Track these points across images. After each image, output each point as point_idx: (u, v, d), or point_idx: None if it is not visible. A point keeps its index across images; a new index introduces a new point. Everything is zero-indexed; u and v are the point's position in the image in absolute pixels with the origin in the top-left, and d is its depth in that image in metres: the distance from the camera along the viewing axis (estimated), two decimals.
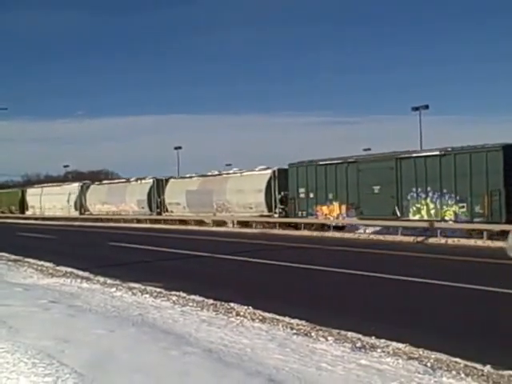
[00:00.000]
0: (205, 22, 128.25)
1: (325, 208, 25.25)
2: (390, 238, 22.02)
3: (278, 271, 13.62)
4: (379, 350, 6.08)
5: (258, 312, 8.18)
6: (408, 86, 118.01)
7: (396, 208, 22.03)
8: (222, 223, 31.92)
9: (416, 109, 46.83)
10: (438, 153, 20.95)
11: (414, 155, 21.92)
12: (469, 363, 5.62)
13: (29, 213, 52.45)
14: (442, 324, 7.83)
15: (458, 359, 5.75)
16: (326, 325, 7.27)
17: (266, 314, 8.04)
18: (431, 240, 20.25)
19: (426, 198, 21.26)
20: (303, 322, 7.46)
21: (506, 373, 5.35)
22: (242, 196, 29.90)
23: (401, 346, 6.27)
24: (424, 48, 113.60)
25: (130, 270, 14.27)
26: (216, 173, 33.96)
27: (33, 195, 52.49)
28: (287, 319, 7.68)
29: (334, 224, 25.15)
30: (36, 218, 49.45)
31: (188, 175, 36.22)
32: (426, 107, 46.67)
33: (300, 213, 26.40)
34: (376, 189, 22.82)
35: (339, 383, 4.85)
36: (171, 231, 30.42)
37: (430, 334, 7.16)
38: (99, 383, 4.62)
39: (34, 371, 4.84)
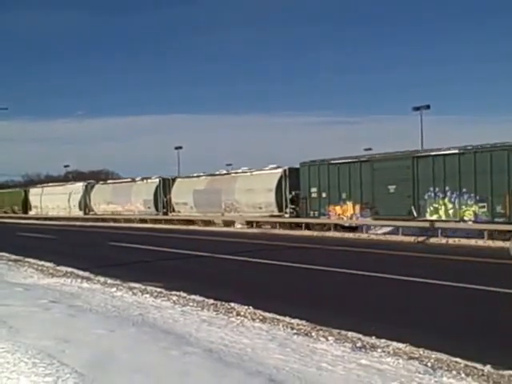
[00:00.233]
0: (205, 22, 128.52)
1: (338, 208, 24.81)
2: (390, 238, 22.03)
3: (278, 271, 13.61)
4: (379, 350, 6.08)
5: (259, 312, 8.18)
6: (408, 85, 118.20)
7: (412, 208, 21.57)
8: (231, 223, 31.36)
9: (417, 109, 46.81)
10: (457, 151, 20.43)
11: (432, 154, 21.37)
12: (469, 363, 5.62)
13: (32, 213, 52.05)
14: (443, 324, 7.82)
15: (458, 359, 5.75)
16: (327, 325, 7.27)
17: (267, 314, 8.04)
18: (432, 240, 20.23)
19: (444, 198, 20.79)
20: (303, 322, 7.46)
21: (507, 373, 5.35)
22: (252, 196, 29.35)
23: (401, 345, 6.27)
24: (424, 48, 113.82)
25: (131, 269, 14.27)
26: (224, 172, 33.43)
27: (36, 195, 52.06)
28: (287, 319, 7.68)
29: (347, 224, 24.65)
30: (39, 218, 48.93)
31: (195, 174, 35.50)
32: (427, 107, 46.66)
33: (312, 213, 25.94)
34: (391, 188, 22.36)
35: (340, 383, 4.85)
36: (174, 231, 30.36)
37: (431, 333, 7.15)
38: (100, 383, 4.62)
39: (34, 371, 4.83)
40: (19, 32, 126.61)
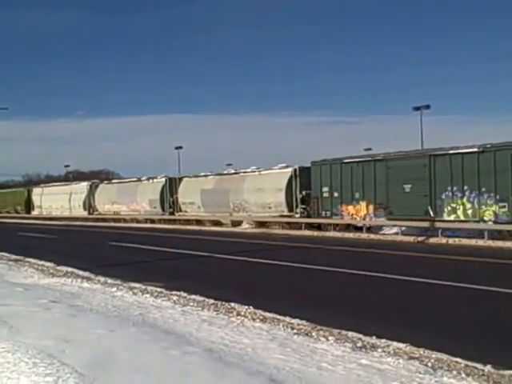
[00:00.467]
0: (205, 21, 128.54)
1: (351, 208, 24.30)
2: (390, 237, 21.98)
3: (278, 271, 13.61)
4: (380, 350, 6.08)
5: (259, 312, 8.18)
6: (408, 85, 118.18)
7: (429, 208, 21.05)
8: (239, 223, 30.77)
9: (417, 109, 46.77)
10: (476, 149, 19.86)
11: (450, 152, 20.74)
12: (469, 363, 5.62)
13: (35, 213, 51.44)
14: (443, 324, 7.82)
15: (458, 359, 5.75)
16: (327, 324, 7.27)
17: (267, 314, 8.05)
18: (432, 240, 20.20)
19: (462, 198, 20.23)
20: (304, 322, 7.46)
21: (507, 373, 5.35)
22: (261, 195, 28.80)
23: (401, 345, 6.27)
24: (424, 48, 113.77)
25: (132, 269, 14.27)
26: (232, 171, 32.82)
27: (39, 195, 51.39)
28: (288, 319, 7.68)
29: (360, 225, 24.04)
30: (42, 218, 48.25)
31: (202, 174, 34.87)
32: (427, 107, 46.62)
33: (324, 213, 25.41)
34: (407, 187, 21.80)
35: (340, 383, 4.85)
36: (177, 231, 30.32)
37: (431, 333, 7.15)
38: (100, 383, 4.62)
39: (34, 371, 4.84)
40: (19, 32, 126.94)
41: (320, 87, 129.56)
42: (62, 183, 52.78)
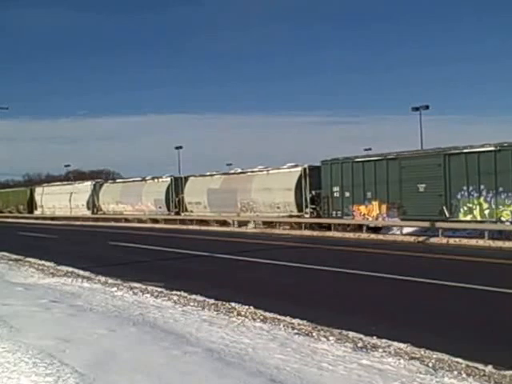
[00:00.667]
0: (205, 21, 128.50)
1: (362, 208, 23.85)
2: (390, 237, 21.97)
3: (279, 271, 13.60)
4: (381, 350, 6.07)
5: (259, 312, 8.17)
6: (408, 85, 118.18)
7: (444, 208, 20.60)
8: (245, 224, 30.23)
9: (416, 109, 46.77)
10: (493, 148, 19.44)
11: (466, 151, 20.28)
12: (470, 363, 5.61)
13: (37, 212, 50.96)
14: (443, 324, 7.81)
15: (459, 359, 5.74)
16: (326, 324, 7.26)
17: (267, 314, 8.04)
18: (432, 240, 20.18)
19: (478, 197, 19.75)
20: (304, 322, 7.45)
21: (508, 373, 5.35)
22: (269, 195, 28.38)
23: (402, 345, 6.26)
24: (424, 48, 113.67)
25: (132, 269, 14.27)
26: (239, 171, 32.31)
27: (42, 194, 50.82)
28: (288, 319, 7.67)
29: (372, 225, 23.53)
30: (45, 218, 47.76)
31: (208, 173, 34.29)
32: (427, 107, 46.61)
33: (334, 213, 24.98)
34: (421, 187, 21.36)
35: (341, 383, 4.84)
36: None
37: (432, 334, 7.14)
38: (100, 383, 4.61)
39: (34, 371, 4.83)
40: (21, 31, 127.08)
41: (320, 87, 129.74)
42: (66, 182, 52.15)
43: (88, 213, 44.26)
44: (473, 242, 19.03)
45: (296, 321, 7.55)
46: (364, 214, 23.86)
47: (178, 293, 9.84)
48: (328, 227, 25.29)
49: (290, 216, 27.45)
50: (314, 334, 6.82)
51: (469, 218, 20.04)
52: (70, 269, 13.79)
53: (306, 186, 26.69)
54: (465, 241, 19.40)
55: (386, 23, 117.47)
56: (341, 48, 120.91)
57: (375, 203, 23.39)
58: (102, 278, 11.97)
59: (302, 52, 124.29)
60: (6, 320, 7.06)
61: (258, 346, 6.04)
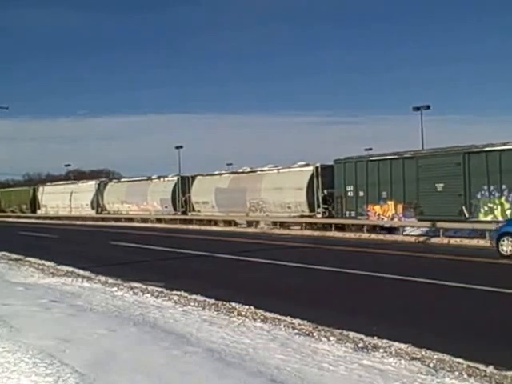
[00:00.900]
0: (205, 21, 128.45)
1: (377, 208, 23.27)
2: (390, 237, 21.94)
3: (279, 271, 13.59)
4: (381, 351, 6.06)
5: (260, 312, 8.16)
6: (409, 85, 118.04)
7: (463, 208, 20.01)
8: (255, 224, 29.80)
9: (417, 109, 46.74)
10: None
11: (486, 149, 19.70)
12: (471, 364, 5.60)
13: (41, 212, 50.50)
14: (444, 324, 7.79)
15: (460, 360, 5.72)
16: (327, 324, 7.25)
17: (268, 314, 8.02)
18: (433, 240, 20.16)
19: (500, 197, 19.18)
20: (305, 322, 7.44)
21: (509, 373, 5.33)
22: (280, 195, 27.83)
23: (403, 346, 6.25)
24: (424, 48, 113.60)
25: (133, 269, 14.26)
26: (248, 169, 31.73)
27: (45, 193, 50.38)
28: (289, 319, 7.66)
29: (387, 225, 23.02)
30: (48, 217, 47.26)
31: (217, 172, 33.87)
32: (427, 107, 46.56)
33: (348, 213, 24.45)
34: (439, 186, 20.81)
35: (341, 383, 4.83)
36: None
37: (432, 334, 7.13)
38: (100, 383, 4.60)
39: (34, 371, 4.82)
40: (21, 30, 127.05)
41: (320, 87, 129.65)
42: (70, 181, 51.69)
43: (92, 212, 43.78)
44: (474, 242, 19.01)
45: (296, 321, 7.54)
46: (379, 214, 23.32)
47: (179, 293, 9.83)
48: (342, 227, 24.71)
49: (302, 216, 26.94)
50: (314, 334, 6.81)
51: (489, 218, 19.42)
52: (71, 268, 13.78)
53: (318, 186, 26.23)
54: (466, 241, 19.40)
55: (386, 23, 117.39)
56: (341, 48, 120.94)
57: (391, 203, 22.86)
58: (103, 278, 11.96)
59: (302, 52, 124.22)
60: (6, 320, 7.04)
61: (259, 346, 6.02)
